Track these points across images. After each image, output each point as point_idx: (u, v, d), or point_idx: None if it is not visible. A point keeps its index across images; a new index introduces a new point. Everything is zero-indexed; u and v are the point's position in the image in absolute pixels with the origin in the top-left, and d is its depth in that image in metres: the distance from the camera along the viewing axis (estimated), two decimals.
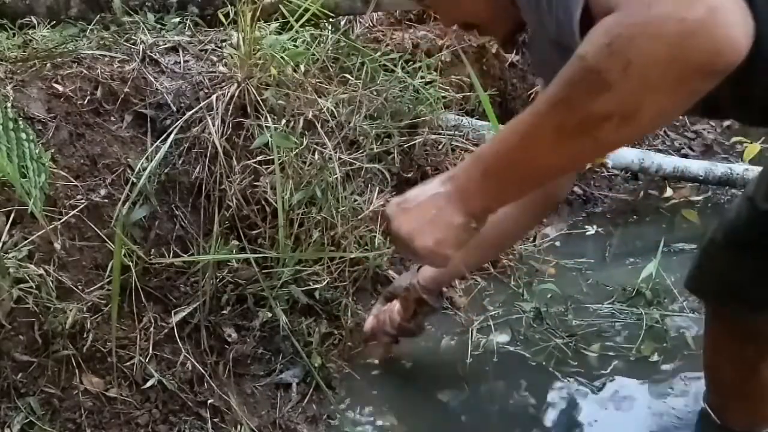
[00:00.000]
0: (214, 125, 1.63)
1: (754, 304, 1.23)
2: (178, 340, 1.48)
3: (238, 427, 1.43)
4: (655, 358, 1.65)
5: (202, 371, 1.47)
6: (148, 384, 1.40)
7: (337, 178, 1.71)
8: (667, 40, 0.67)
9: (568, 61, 0.75)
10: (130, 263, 1.45)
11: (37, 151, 1.39)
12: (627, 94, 0.70)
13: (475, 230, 0.91)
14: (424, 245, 0.92)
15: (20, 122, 1.40)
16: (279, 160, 1.61)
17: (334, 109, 1.80)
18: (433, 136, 2.05)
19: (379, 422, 1.51)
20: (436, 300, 1.49)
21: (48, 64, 1.61)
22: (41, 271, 1.32)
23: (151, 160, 1.57)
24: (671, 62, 0.67)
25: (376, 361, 1.67)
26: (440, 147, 2.07)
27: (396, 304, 1.51)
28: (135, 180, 1.53)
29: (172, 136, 1.60)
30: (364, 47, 2.02)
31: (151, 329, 1.46)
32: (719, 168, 2.32)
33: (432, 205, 0.91)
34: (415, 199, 0.94)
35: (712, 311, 1.38)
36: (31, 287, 1.30)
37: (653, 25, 0.67)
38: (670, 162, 2.34)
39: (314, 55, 1.88)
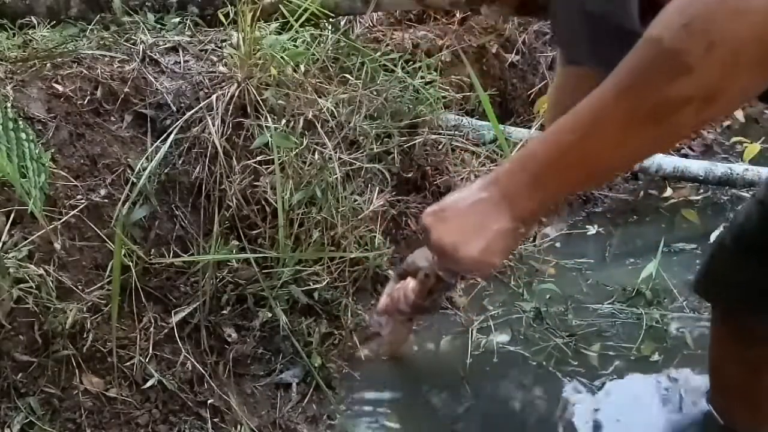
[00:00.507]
0: (214, 125, 1.63)
1: (762, 309, 1.23)
2: (178, 340, 1.48)
3: (238, 427, 1.43)
4: (655, 357, 1.65)
5: (202, 371, 1.47)
6: (148, 384, 1.40)
7: (337, 178, 1.71)
8: (751, 18, 0.64)
9: (637, 45, 0.71)
10: (130, 263, 1.45)
11: (37, 151, 1.39)
12: (709, 76, 0.67)
13: (522, 235, 0.88)
14: (471, 256, 0.87)
15: (20, 122, 1.40)
16: (279, 160, 1.61)
17: (334, 109, 1.80)
18: (433, 136, 2.05)
19: (379, 422, 1.51)
20: (451, 276, 1.40)
21: (48, 64, 1.61)
22: (41, 271, 1.33)
23: (151, 160, 1.57)
24: (756, 41, 0.64)
25: (384, 358, 1.67)
26: (440, 147, 2.07)
27: (410, 282, 1.44)
28: (135, 180, 1.53)
29: (172, 136, 1.60)
30: (364, 47, 2.02)
31: (151, 329, 1.46)
32: (719, 168, 2.32)
33: (475, 213, 0.86)
34: (454, 207, 0.89)
35: (719, 314, 1.37)
36: (31, 287, 1.30)
37: (734, 2, 0.64)
38: (670, 162, 2.34)
39: (314, 55, 1.88)
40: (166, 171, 1.61)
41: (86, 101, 1.59)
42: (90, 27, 1.93)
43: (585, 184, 0.85)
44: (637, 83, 0.71)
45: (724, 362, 1.40)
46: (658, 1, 0.71)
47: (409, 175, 1.99)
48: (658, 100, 0.70)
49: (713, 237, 2.05)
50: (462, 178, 2.05)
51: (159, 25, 1.98)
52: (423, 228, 0.92)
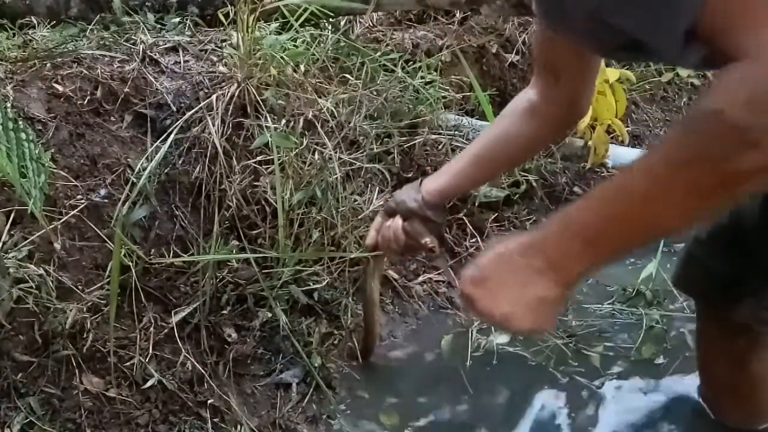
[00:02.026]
0: (214, 125, 1.63)
1: (739, 299, 1.24)
2: (178, 340, 1.48)
3: (238, 427, 1.43)
4: (655, 358, 1.65)
5: (202, 371, 1.47)
6: (148, 384, 1.40)
7: (337, 178, 1.71)
8: None
9: (697, 114, 0.73)
10: (130, 263, 1.45)
11: (37, 151, 1.39)
12: None
13: (570, 295, 0.87)
14: (524, 328, 0.86)
15: (20, 122, 1.40)
16: (279, 160, 1.61)
17: (334, 109, 1.80)
18: (433, 136, 2.05)
19: (379, 422, 1.51)
20: (440, 215, 1.40)
21: (48, 64, 1.61)
22: (41, 271, 1.33)
23: (151, 161, 1.57)
24: None
25: (380, 362, 1.67)
26: (440, 147, 2.07)
27: (399, 221, 1.40)
28: (135, 180, 1.53)
29: (172, 136, 1.60)
30: (364, 47, 2.02)
31: (151, 329, 1.46)
32: None
33: (522, 283, 0.84)
34: (498, 277, 0.86)
35: (701, 309, 1.39)
36: (31, 287, 1.30)
37: None
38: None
39: (314, 55, 1.88)
40: (166, 171, 1.61)
41: (86, 101, 1.59)
42: (90, 27, 1.93)
43: (641, 242, 0.81)
44: (703, 155, 0.71)
45: (711, 356, 1.41)
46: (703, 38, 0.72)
47: (409, 175, 1.98)
48: (727, 172, 0.70)
49: None
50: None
51: (159, 25, 1.98)
52: (465, 298, 0.89)
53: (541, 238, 0.84)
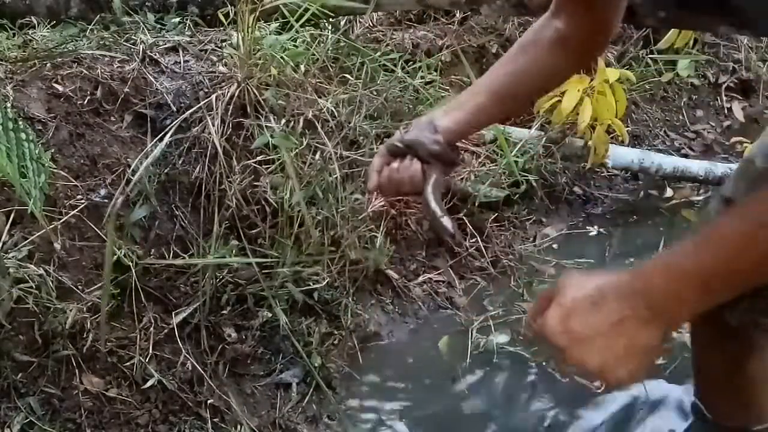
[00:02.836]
0: (214, 125, 1.63)
1: (734, 303, 1.23)
2: (178, 340, 1.48)
3: (238, 427, 1.43)
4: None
5: (202, 371, 1.47)
6: (148, 384, 1.40)
7: (337, 178, 1.71)
8: None
9: None
10: (130, 263, 1.45)
11: (37, 151, 1.39)
12: None
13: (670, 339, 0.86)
14: (621, 379, 0.81)
15: (20, 122, 1.40)
16: (279, 160, 1.61)
17: (334, 109, 1.80)
18: None
19: (379, 422, 1.51)
20: (457, 155, 1.27)
21: (48, 64, 1.61)
22: (41, 271, 1.33)
23: (149, 160, 1.57)
24: None
25: (380, 362, 1.67)
26: None
27: (415, 164, 1.23)
28: (134, 180, 1.53)
29: (168, 135, 1.60)
30: (364, 47, 2.02)
31: (151, 329, 1.46)
32: (719, 168, 2.32)
33: (623, 333, 0.80)
34: (594, 326, 0.81)
35: None
36: (31, 287, 1.30)
37: None
38: (670, 162, 2.34)
39: (314, 55, 1.88)
40: (166, 171, 1.61)
41: (86, 101, 1.59)
42: (90, 27, 1.93)
43: (755, 283, 0.81)
44: None
45: (706, 358, 1.40)
46: None
47: None
48: None
49: None
50: (462, 178, 2.05)
51: (159, 25, 1.98)
52: (556, 345, 0.82)
53: (644, 284, 0.80)
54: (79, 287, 1.39)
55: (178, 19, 1.99)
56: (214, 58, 1.83)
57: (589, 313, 0.81)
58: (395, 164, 1.23)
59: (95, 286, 1.41)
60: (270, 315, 1.58)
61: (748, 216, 0.79)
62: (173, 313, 1.51)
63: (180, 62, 1.79)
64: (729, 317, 1.26)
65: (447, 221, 1.16)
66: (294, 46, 1.85)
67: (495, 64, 1.20)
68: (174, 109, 1.68)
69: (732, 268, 0.78)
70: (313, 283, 1.66)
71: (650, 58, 2.66)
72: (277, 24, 1.93)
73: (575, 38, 1.12)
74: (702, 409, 1.45)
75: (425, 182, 1.19)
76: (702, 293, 0.79)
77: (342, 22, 2.19)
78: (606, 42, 1.22)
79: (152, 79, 1.70)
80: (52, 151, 1.47)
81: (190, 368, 1.46)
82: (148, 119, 1.66)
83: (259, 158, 1.68)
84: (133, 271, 1.45)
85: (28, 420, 1.28)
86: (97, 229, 1.46)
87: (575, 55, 1.18)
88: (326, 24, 2.04)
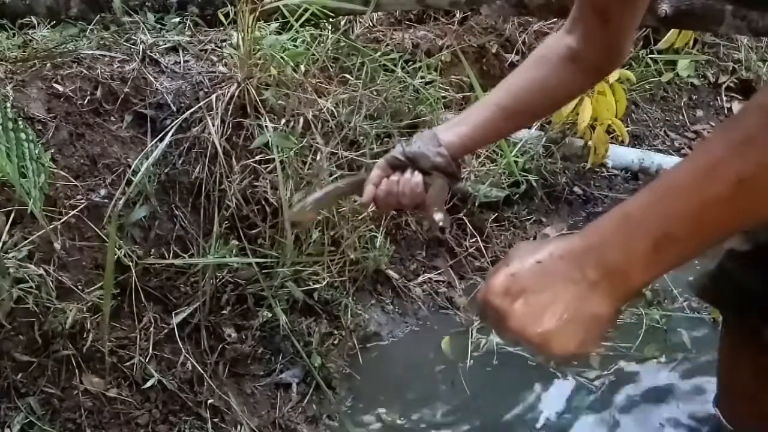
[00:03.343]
0: (213, 125, 1.63)
1: None
2: (178, 340, 1.48)
3: (238, 427, 1.43)
4: (655, 358, 1.64)
5: (202, 371, 1.47)
6: (148, 384, 1.40)
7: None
8: None
9: (745, 109, 0.68)
10: (130, 263, 1.45)
11: (36, 151, 1.39)
12: None
13: (623, 310, 0.77)
14: (567, 351, 0.71)
15: (20, 122, 1.40)
16: (280, 158, 1.61)
17: (334, 109, 1.80)
18: None
19: (379, 422, 1.51)
20: (459, 170, 1.23)
21: (48, 64, 1.61)
22: (41, 271, 1.33)
23: (149, 160, 1.57)
24: None
25: (380, 362, 1.67)
26: None
27: (417, 176, 1.19)
28: (134, 180, 1.53)
29: (168, 135, 1.60)
30: (364, 47, 2.02)
31: (151, 329, 1.46)
32: None
33: (569, 298, 0.70)
34: (538, 290, 0.72)
35: (730, 320, 1.35)
36: (31, 287, 1.30)
37: None
38: (670, 162, 2.34)
39: (314, 55, 1.88)
40: (166, 171, 1.61)
41: (86, 101, 1.59)
42: (90, 27, 1.93)
43: (721, 238, 0.70)
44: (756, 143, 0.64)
45: (735, 367, 1.37)
46: None
47: None
48: None
49: None
50: (462, 178, 2.05)
51: (159, 25, 1.98)
52: (494, 311, 0.73)
53: (598, 242, 0.70)
54: (79, 287, 1.39)
55: (178, 19, 1.99)
56: (214, 58, 1.83)
57: (534, 276, 0.73)
58: (395, 177, 1.19)
59: (95, 286, 1.41)
60: (270, 315, 1.58)
61: (711, 148, 0.68)
62: (173, 313, 1.52)
63: (180, 62, 1.79)
64: (765, 333, 1.23)
65: (439, 215, 1.14)
66: (294, 46, 1.85)
67: (505, 78, 1.18)
68: (174, 109, 1.68)
69: (708, 207, 0.66)
70: (313, 283, 1.66)
71: (650, 58, 2.66)
72: (277, 24, 1.92)
73: (589, 57, 1.11)
74: (722, 418, 1.43)
75: (429, 189, 1.17)
76: (661, 246, 0.68)
77: (342, 22, 2.19)
78: (618, 62, 1.19)
79: (152, 79, 1.70)
80: (52, 151, 1.47)
81: (190, 368, 1.46)
82: (148, 119, 1.66)
83: (258, 158, 1.68)
84: (133, 271, 1.45)
85: (28, 420, 1.28)
86: (97, 229, 1.46)
87: (587, 74, 1.17)
88: (326, 24, 2.04)
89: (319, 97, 1.80)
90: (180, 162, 1.64)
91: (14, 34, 1.86)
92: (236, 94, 1.69)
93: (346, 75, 1.93)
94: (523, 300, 0.72)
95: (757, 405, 1.35)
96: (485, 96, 1.20)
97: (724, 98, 2.84)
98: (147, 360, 1.42)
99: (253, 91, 1.69)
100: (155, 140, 1.61)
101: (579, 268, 0.70)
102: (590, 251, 0.70)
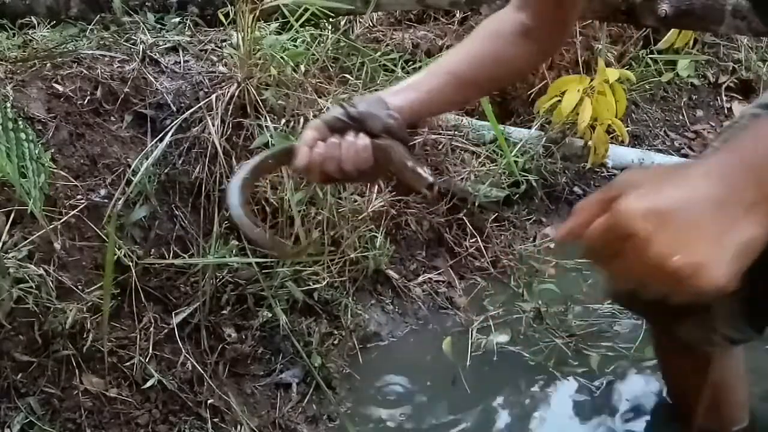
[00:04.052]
0: (213, 125, 1.63)
1: (681, 320, 1.23)
2: (178, 340, 1.48)
3: (238, 427, 1.43)
4: (654, 359, 1.64)
5: (202, 371, 1.47)
6: (148, 384, 1.40)
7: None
8: None
9: None
10: (130, 263, 1.45)
11: (36, 151, 1.39)
12: None
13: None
14: (716, 281, 0.62)
15: (20, 122, 1.40)
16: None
17: None
18: (433, 136, 2.05)
19: (379, 422, 1.51)
20: (407, 134, 1.08)
21: (48, 64, 1.61)
22: (41, 271, 1.33)
23: (149, 160, 1.57)
24: None
25: (380, 362, 1.67)
26: (440, 147, 2.07)
27: (364, 139, 1.02)
28: (134, 180, 1.53)
29: (168, 135, 1.60)
30: (364, 47, 2.02)
31: (151, 329, 1.46)
32: None
33: (723, 222, 0.62)
34: (685, 211, 0.63)
35: (650, 324, 1.40)
36: (31, 287, 1.30)
37: None
38: (670, 162, 2.34)
39: (314, 55, 1.88)
40: (166, 171, 1.61)
41: (86, 101, 1.59)
42: (90, 27, 1.93)
43: None
44: None
45: (670, 367, 1.42)
46: None
47: None
48: None
49: None
50: (462, 178, 2.05)
51: (159, 25, 1.98)
52: (627, 236, 0.63)
53: (755, 161, 0.62)
54: (79, 287, 1.39)
55: (178, 19, 1.99)
56: (214, 58, 1.83)
57: (679, 199, 0.63)
58: (333, 140, 1.02)
59: (95, 286, 1.41)
60: (270, 315, 1.58)
61: None
62: (173, 313, 1.51)
63: (180, 62, 1.79)
64: (681, 334, 1.26)
65: (422, 170, 0.99)
66: (294, 46, 1.85)
67: (454, 48, 1.12)
68: (174, 109, 1.68)
69: None
70: (313, 283, 1.66)
71: (650, 58, 2.66)
72: (277, 24, 1.93)
73: (541, 34, 1.10)
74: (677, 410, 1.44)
75: (386, 147, 1.01)
76: None
77: (342, 22, 2.19)
78: (564, 40, 1.19)
79: (152, 79, 1.70)
80: (52, 151, 1.47)
81: (190, 368, 1.46)
82: (148, 119, 1.66)
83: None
84: (133, 271, 1.45)
85: (28, 420, 1.28)
86: (97, 229, 1.46)
87: (539, 50, 1.16)
88: (326, 24, 2.04)
89: (319, 97, 1.80)
90: (180, 162, 1.64)
91: (14, 34, 1.86)
92: (236, 94, 1.69)
93: (346, 75, 1.93)
94: (670, 224, 0.62)
95: (698, 399, 1.36)
96: (434, 64, 1.13)
97: (724, 98, 2.84)
98: (147, 360, 1.42)
99: (253, 91, 1.69)
100: (155, 140, 1.61)
101: (733, 188, 0.62)
102: (747, 170, 0.62)
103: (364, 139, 1.00)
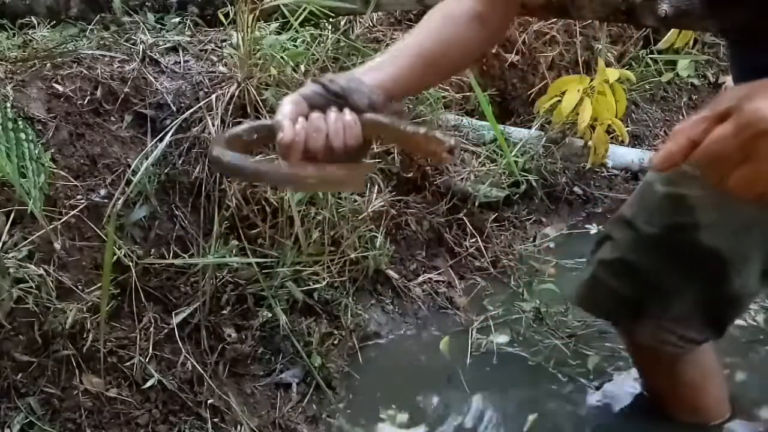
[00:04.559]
0: (213, 125, 1.63)
1: (640, 319, 1.28)
2: (178, 340, 1.48)
3: (238, 427, 1.43)
4: None
5: (202, 371, 1.47)
6: (148, 384, 1.40)
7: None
8: None
9: None
10: (130, 263, 1.45)
11: (36, 151, 1.39)
12: None
13: None
14: None
15: (20, 122, 1.40)
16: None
17: None
18: None
19: (379, 422, 1.51)
20: (392, 110, 1.03)
21: (48, 64, 1.61)
22: (41, 271, 1.32)
23: (149, 160, 1.57)
24: None
25: (381, 362, 1.67)
26: None
27: (349, 113, 0.94)
28: (134, 180, 1.53)
29: (168, 135, 1.60)
30: (364, 47, 2.02)
31: (151, 329, 1.46)
32: None
33: None
34: None
35: (613, 327, 1.44)
36: (31, 287, 1.30)
37: None
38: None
39: (314, 55, 1.88)
40: (166, 171, 1.61)
41: (86, 101, 1.59)
42: (90, 27, 1.93)
43: None
44: None
45: (642, 366, 1.45)
46: None
47: (409, 175, 1.99)
48: None
49: None
50: (462, 178, 2.05)
51: (159, 25, 1.98)
52: (764, 129, 0.63)
53: None
54: (79, 287, 1.39)
55: (178, 19, 1.99)
56: (214, 58, 1.83)
57: None
58: (315, 115, 0.94)
59: (95, 286, 1.41)
60: (270, 315, 1.58)
61: None
62: (173, 313, 1.51)
63: (180, 62, 1.79)
64: (639, 336, 1.33)
65: (440, 134, 0.89)
66: (294, 46, 1.85)
67: (412, 33, 1.11)
68: (174, 109, 1.68)
69: None
70: (313, 283, 1.66)
71: (650, 58, 2.66)
72: (277, 24, 1.93)
73: (491, 17, 1.12)
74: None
75: (380, 121, 0.93)
76: None
77: (342, 22, 2.19)
78: (510, 23, 1.23)
79: (152, 79, 1.70)
80: (52, 151, 1.47)
81: (190, 368, 1.46)
82: (148, 119, 1.66)
83: (258, 158, 1.68)
84: (133, 271, 1.45)
85: (28, 420, 1.28)
86: (97, 229, 1.46)
87: (490, 34, 1.18)
88: (326, 24, 2.04)
89: None
90: (180, 162, 1.64)
91: (14, 34, 1.86)
92: (236, 94, 1.69)
93: None
94: None
95: (676, 396, 1.39)
96: (398, 45, 1.11)
97: None
98: (147, 360, 1.42)
99: (253, 91, 1.69)
100: (155, 140, 1.61)
101: None
102: None
103: (351, 114, 0.94)
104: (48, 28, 1.93)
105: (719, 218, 1.15)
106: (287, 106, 0.92)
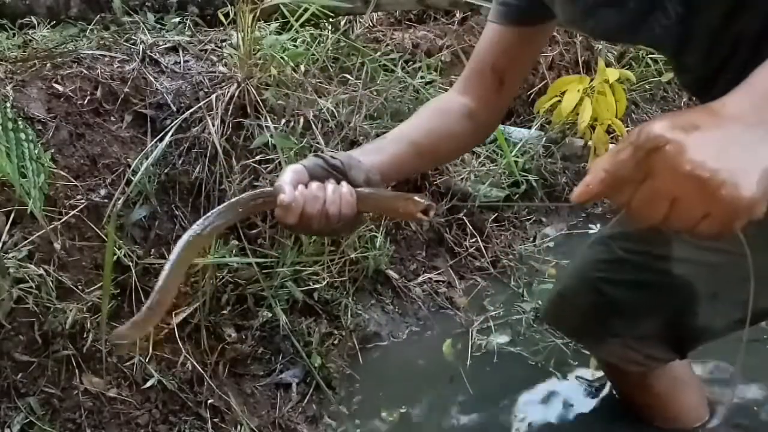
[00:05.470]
0: (213, 125, 1.63)
1: (604, 338, 1.30)
2: (178, 340, 1.48)
3: (238, 427, 1.43)
4: None
5: (202, 371, 1.47)
6: (148, 384, 1.40)
7: None
8: None
9: None
10: (130, 263, 1.45)
11: (36, 151, 1.39)
12: None
13: None
14: (752, 196, 0.62)
15: (20, 122, 1.40)
16: (279, 159, 1.61)
17: (334, 109, 1.80)
18: None
19: (379, 422, 1.51)
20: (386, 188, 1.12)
21: (48, 64, 1.61)
22: (41, 271, 1.33)
23: (150, 160, 1.57)
24: None
25: (381, 362, 1.67)
26: None
27: (347, 186, 1.00)
28: (134, 180, 1.53)
29: (168, 135, 1.60)
30: (364, 47, 2.02)
31: (151, 329, 1.46)
32: None
33: (755, 135, 0.63)
34: (719, 126, 0.64)
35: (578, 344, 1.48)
36: (31, 287, 1.30)
37: None
38: None
39: (314, 55, 1.88)
40: (166, 171, 1.61)
41: (86, 101, 1.59)
42: (90, 27, 1.93)
43: None
44: None
45: (613, 379, 1.48)
46: None
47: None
48: None
49: None
50: (462, 178, 2.05)
51: (159, 25, 1.98)
52: (660, 144, 0.64)
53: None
54: (79, 287, 1.39)
55: (178, 19, 1.99)
56: (214, 58, 1.83)
57: (707, 115, 0.65)
58: (314, 184, 0.99)
59: (95, 286, 1.41)
60: (270, 315, 1.58)
61: None
62: (173, 313, 1.51)
63: (180, 62, 1.79)
64: (603, 355, 1.36)
65: (416, 196, 0.97)
66: (294, 46, 1.85)
67: (407, 122, 1.17)
68: (174, 109, 1.68)
69: None
70: (313, 283, 1.66)
71: (650, 58, 2.66)
72: (277, 24, 1.93)
73: (482, 116, 1.17)
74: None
75: (370, 194, 1.01)
76: None
77: (342, 22, 2.19)
78: (500, 120, 1.30)
79: (152, 79, 1.70)
80: (52, 151, 1.47)
81: (190, 368, 1.46)
82: (148, 119, 1.66)
83: (258, 158, 1.68)
84: (133, 271, 1.45)
85: (28, 420, 1.28)
86: (97, 229, 1.46)
87: (478, 130, 1.23)
88: (326, 24, 2.04)
89: (319, 97, 1.80)
90: (180, 162, 1.64)
91: (14, 34, 1.86)
92: (236, 94, 1.69)
93: (346, 75, 1.94)
94: (701, 134, 0.63)
95: (650, 407, 1.40)
96: (394, 132, 1.16)
97: None
98: (147, 360, 1.42)
99: (253, 91, 1.69)
100: (155, 140, 1.61)
101: (759, 111, 0.64)
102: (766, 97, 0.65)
103: (348, 186, 1.00)
104: (48, 28, 1.93)
105: (693, 254, 1.16)
106: (289, 174, 0.98)
